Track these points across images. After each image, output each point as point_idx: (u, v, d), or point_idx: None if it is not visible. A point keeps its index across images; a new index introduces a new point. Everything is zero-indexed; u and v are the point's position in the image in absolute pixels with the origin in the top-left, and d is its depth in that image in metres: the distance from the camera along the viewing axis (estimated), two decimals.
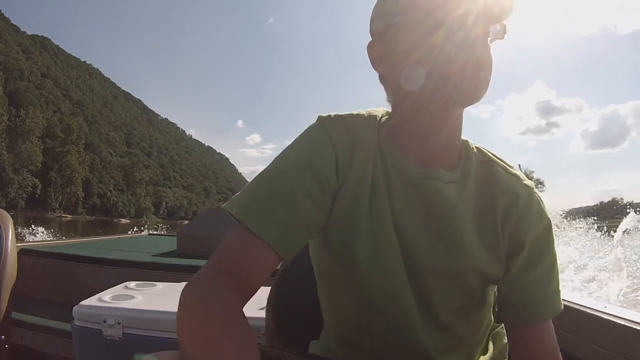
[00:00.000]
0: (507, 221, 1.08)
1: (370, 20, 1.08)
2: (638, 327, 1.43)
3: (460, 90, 0.96)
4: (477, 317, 1.17)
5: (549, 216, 1.12)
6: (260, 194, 1.01)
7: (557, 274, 1.11)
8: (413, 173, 1.06)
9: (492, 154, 1.16)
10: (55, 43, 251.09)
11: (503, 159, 1.16)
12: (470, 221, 1.08)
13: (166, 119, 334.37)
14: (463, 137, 1.13)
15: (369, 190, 1.06)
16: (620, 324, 1.48)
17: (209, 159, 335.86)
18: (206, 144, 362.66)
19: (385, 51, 1.06)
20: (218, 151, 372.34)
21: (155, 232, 8.26)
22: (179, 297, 2.01)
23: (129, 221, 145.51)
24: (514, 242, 1.08)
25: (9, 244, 2.18)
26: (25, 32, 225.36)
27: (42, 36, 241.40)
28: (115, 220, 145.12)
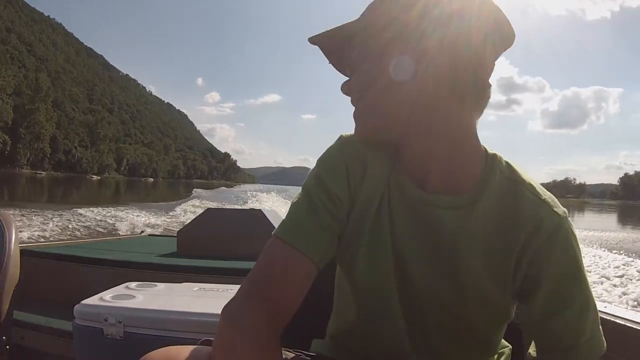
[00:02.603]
0: (524, 254, 1.00)
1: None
2: (638, 327, 1.44)
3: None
4: (476, 347, 1.14)
5: (580, 252, 1.02)
6: (290, 213, 1.07)
7: (593, 318, 1.00)
8: (414, 196, 1.05)
9: (524, 174, 1.06)
10: None
11: (536, 182, 1.06)
12: (476, 249, 1.02)
13: (127, 75, 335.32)
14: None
15: (375, 209, 1.07)
16: (620, 324, 1.47)
17: (169, 115, 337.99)
18: (166, 101, 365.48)
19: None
20: (177, 108, 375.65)
21: (155, 233, 8.22)
22: (179, 296, 2.25)
23: (99, 177, 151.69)
24: (530, 279, 1.00)
25: (12, 246, 2.19)
26: None
27: None
28: (87, 177, 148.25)
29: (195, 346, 1.00)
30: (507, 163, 1.06)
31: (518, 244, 1.00)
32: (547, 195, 1.03)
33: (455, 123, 0.99)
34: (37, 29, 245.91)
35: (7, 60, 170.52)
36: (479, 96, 1.00)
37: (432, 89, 0.95)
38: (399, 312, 1.08)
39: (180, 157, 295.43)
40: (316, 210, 1.05)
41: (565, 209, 1.03)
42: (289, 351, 1.15)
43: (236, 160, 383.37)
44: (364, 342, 1.17)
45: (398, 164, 1.07)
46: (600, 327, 1.01)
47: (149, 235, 7.08)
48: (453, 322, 1.07)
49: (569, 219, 1.03)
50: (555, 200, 1.03)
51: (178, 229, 5.64)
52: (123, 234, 10.14)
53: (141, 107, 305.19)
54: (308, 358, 1.21)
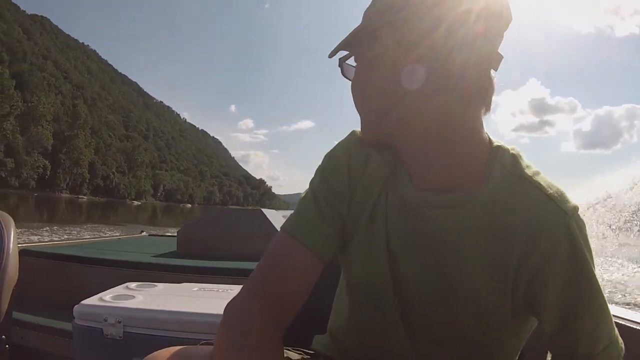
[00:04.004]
0: (528, 260, 0.91)
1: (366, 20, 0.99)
2: (638, 327, 1.43)
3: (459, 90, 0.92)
4: (474, 358, 1.04)
5: (590, 253, 0.91)
6: (298, 208, 1.07)
7: (609, 325, 0.92)
8: (407, 194, 1.02)
9: (529, 166, 0.98)
10: (55, 23, 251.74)
11: (543, 175, 0.97)
12: (465, 251, 0.96)
13: (161, 102, 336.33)
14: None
15: (373, 204, 1.06)
16: (620, 324, 1.44)
17: (203, 143, 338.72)
18: (200, 128, 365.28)
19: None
20: (212, 135, 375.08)
21: (155, 233, 8.40)
22: (179, 297, 2.28)
23: (139, 203, 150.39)
24: (536, 289, 0.92)
25: (11, 245, 2.20)
26: (25, 11, 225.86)
27: (41, 16, 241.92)
28: (127, 202, 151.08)
29: (196, 346, 1.00)
30: (512, 155, 0.98)
31: (519, 248, 0.91)
32: (554, 189, 0.94)
33: (452, 125, 0.94)
34: (72, 56, 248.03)
35: (44, 87, 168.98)
36: (484, 97, 0.94)
37: (444, 102, 0.92)
38: (395, 310, 1.04)
39: (215, 184, 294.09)
40: (320, 206, 1.04)
41: (576, 204, 0.93)
42: (289, 349, 1.14)
43: (271, 187, 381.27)
44: (361, 339, 1.14)
45: (400, 161, 1.04)
46: (617, 330, 0.94)
47: (149, 235, 7.13)
48: (447, 327, 1.01)
49: (580, 214, 0.93)
50: (564, 194, 0.93)
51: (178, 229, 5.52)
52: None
53: (176, 134, 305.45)
54: (307, 356, 1.20)
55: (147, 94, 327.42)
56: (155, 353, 0.97)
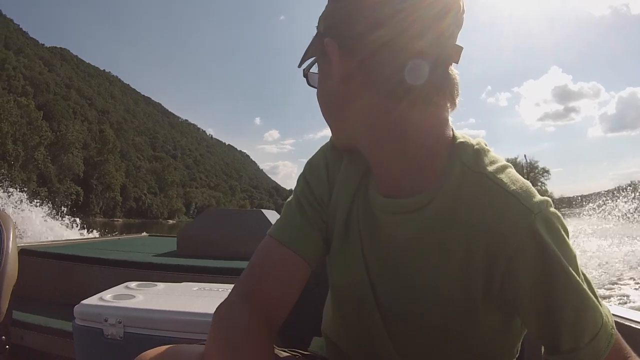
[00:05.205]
0: (496, 263, 0.87)
1: (363, 9, 0.89)
2: (638, 327, 1.42)
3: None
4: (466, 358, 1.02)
5: (565, 246, 0.86)
6: (283, 213, 1.10)
7: (594, 318, 0.86)
8: (371, 201, 1.02)
9: (492, 162, 0.94)
10: (74, 53, 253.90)
11: (508, 171, 0.92)
12: (426, 256, 0.94)
13: (186, 120, 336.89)
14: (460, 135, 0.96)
15: (347, 210, 1.06)
16: (620, 323, 1.44)
17: (231, 157, 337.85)
18: (227, 143, 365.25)
19: (388, 39, 0.87)
20: (238, 149, 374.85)
21: (155, 233, 8.33)
22: (179, 296, 2.24)
23: (174, 222, 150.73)
24: (510, 289, 0.89)
25: (10, 244, 2.20)
26: (44, 44, 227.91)
27: (60, 47, 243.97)
28: (161, 221, 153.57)
29: (189, 344, 1.00)
30: (476, 150, 0.95)
31: (483, 248, 0.89)
32: (517, 185, 0.90)
33: (404, 127, 0.91)
34: (95, 83, 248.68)
35: (70, 115, 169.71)
36: (442, 94, 0.92)
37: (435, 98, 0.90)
38: (376, 313, 1.03)
39: (246, 197, 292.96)
40: (305, 211, 1.06)
41: (544, 198, 0.89)
42: (284, 351, 1.15)
43: None
44: (349, 340, 1.14)
45: (371, 168, 1.03)
46: (607, 320, 0.89)
47: (149, 235, 7.17)
48: (428, 331, 0.99)
49: (551, 208, 0.89)
50: (530, 189, 0.90)
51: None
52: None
53: (203, 151, 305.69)
54: (302, 357, 1.20)
55: (172, 113, 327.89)
56: (146, 352, 0.97)
